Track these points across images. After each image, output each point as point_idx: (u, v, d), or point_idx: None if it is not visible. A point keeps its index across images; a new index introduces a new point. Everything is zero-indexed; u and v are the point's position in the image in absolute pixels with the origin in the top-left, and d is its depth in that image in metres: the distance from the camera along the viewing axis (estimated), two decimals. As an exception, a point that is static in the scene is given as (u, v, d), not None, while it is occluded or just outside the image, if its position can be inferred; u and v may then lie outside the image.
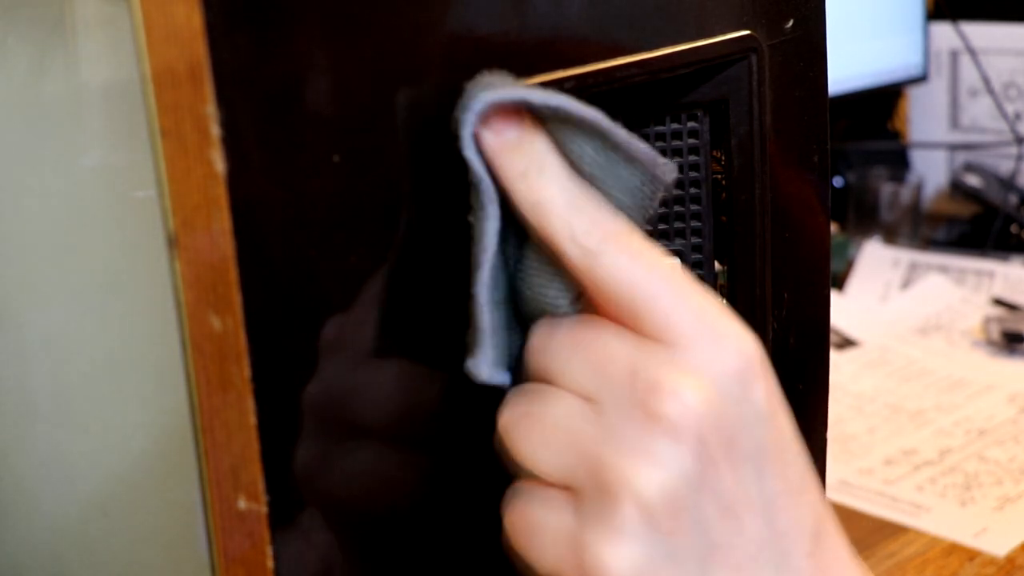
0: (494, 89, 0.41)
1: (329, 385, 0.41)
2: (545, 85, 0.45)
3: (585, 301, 0.42)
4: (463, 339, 0.43)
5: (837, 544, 0.42)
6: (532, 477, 0.41)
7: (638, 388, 0.39)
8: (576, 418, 0.40)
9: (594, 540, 0.38)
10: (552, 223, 0.40)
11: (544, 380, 0.41)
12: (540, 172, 0.40)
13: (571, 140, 0.42)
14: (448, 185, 0.42)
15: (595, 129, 0.41)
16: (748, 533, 0.40)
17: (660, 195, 0.43)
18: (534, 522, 0.40)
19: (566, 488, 0.40)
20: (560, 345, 0.41)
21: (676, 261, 0.41)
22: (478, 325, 0.42)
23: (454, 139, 0.41)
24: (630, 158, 0.42)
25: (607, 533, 0.38)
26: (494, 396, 0.43)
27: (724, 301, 0.55)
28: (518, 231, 0.42)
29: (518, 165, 0.40)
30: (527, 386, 0.42)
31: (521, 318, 0.44)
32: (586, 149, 0.41)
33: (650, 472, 0.38)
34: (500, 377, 0.42)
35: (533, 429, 0.40)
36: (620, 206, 0.42)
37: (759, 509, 0.40)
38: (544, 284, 0.42)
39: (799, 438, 0.43)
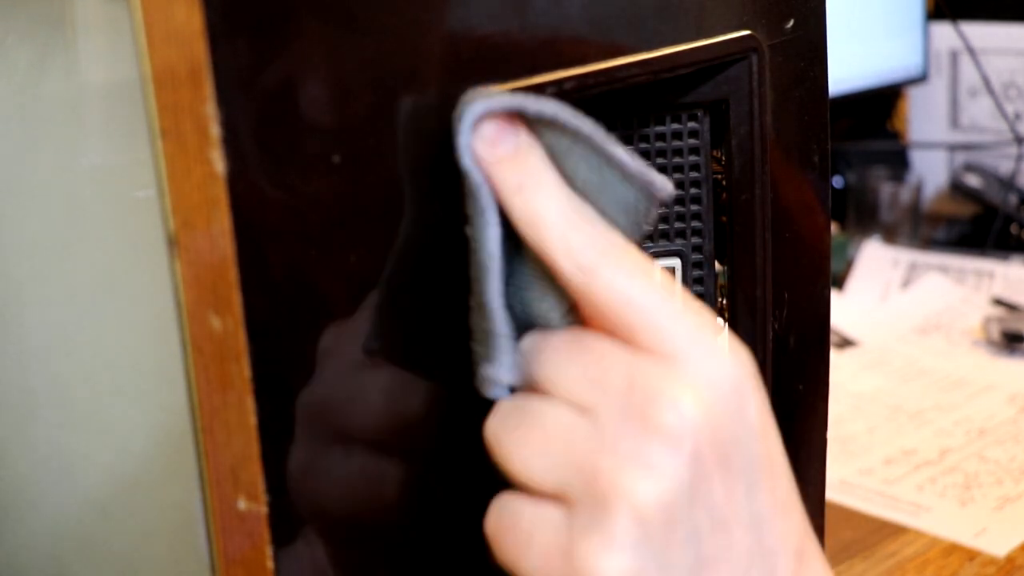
0: (489, 97, 0.40)
1: (323, 391, 0.41)
2: (545, 85, 0.45)
3: (576, 316, 0.42)
4: (456, 347, 0.43)
5: (818, 564, 0.43)
6: (523, 487, 0.40)
7: (636, 397, 0.39)
8: (570, 428, 0.39)
9: (586, 549, 0.38)
10: (548, 238, 0.40)
11: (536, 389, 0.41)
12: (536, 187, 0.40)
13: (567, 155, 0.41)
14: (446, 190, 0.42)
15: (590, 143, 0.41)
16: (738, 548, 0.40)
17: (655, 212, 0.43)
18: (524, 532, 0.39)
19: (558, 498, 0.39)
20: (554, 354, 0.41)
21: (670, 277, 0.41)
22: (494, 331, 0.41)
23: (452, 146, 0.41)
24: (625, 175, 0.41)
25: (600, 542, 0.38)
26: (486, 404, 0.43)
27: (724, 301, 0.55)
28: (507, 245, 0.42)
29: (513, 179, 0.40)
30: (517, 396, 0.41)
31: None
32: (581, 165, 0.41)
33: (646, 482, 0.38)
34: (516, 381, 0.42)
35: (526, 439, 0.40)
36: (615, 222, 0.42)
37: (749, 525, 0.40)
38: (536, 298, 0.42)
39: (786, 456, 0.43)
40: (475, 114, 0.40)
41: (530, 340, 0.42)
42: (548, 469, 0.39)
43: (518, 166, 0.40)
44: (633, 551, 0.38)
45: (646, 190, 0.42)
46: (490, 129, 0.40)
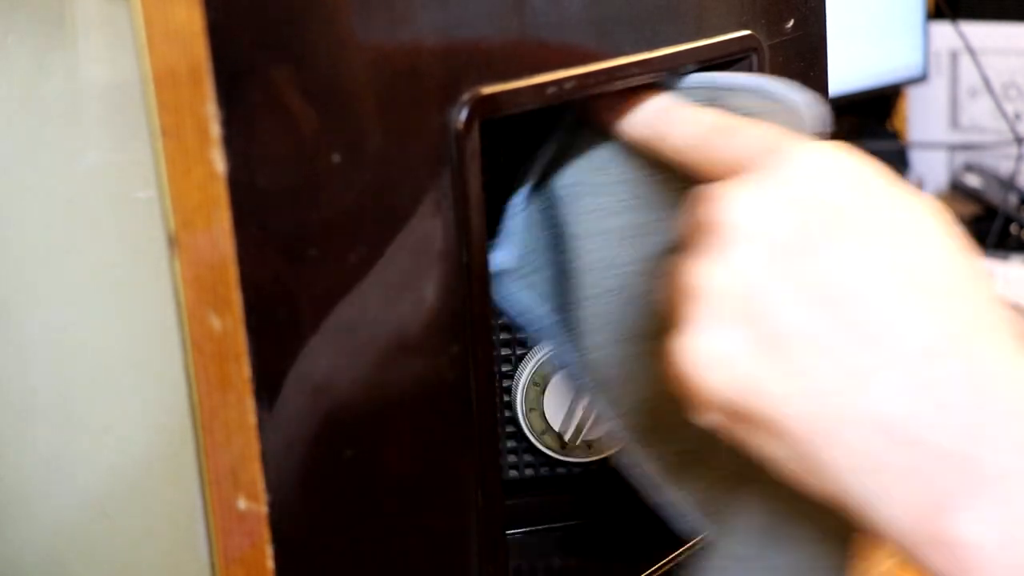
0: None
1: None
2: (545, 85, 0.45)
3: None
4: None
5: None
6: None
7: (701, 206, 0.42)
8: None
9: (682, 337, 0.41)
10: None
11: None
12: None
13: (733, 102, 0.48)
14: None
15: (759, 92, 0.48)
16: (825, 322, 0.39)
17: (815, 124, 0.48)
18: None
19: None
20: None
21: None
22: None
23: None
24: (790, 108, 0.47)
25: (688, 331, 0.41)
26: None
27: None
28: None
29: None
30: None
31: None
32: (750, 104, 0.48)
33: (712, 269, 0.40)
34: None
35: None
36: None
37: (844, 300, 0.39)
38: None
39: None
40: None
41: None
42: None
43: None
44: (718, 331, 0.40)
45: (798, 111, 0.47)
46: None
